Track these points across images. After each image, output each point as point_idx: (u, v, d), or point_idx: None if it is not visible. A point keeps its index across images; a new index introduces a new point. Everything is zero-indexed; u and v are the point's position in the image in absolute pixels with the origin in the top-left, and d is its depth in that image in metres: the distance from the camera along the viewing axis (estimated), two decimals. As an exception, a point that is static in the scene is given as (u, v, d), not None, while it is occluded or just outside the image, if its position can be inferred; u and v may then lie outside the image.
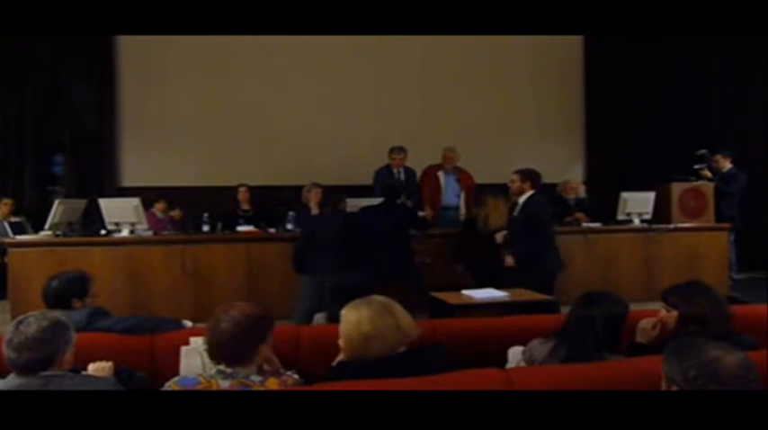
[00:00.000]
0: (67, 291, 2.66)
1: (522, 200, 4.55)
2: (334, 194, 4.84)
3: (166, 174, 6.90)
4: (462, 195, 6.14)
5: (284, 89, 7.22)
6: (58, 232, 4.97)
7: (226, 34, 4.97)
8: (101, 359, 2.21)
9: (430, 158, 6.22)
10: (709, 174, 6.10)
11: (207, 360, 2.02)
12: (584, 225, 5.75)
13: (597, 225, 5.76)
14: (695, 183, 5.98)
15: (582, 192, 6.50)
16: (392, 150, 6.07)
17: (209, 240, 5.19)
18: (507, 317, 3.12)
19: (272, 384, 1.87)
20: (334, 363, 2.02)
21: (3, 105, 6.76)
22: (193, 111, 7.12)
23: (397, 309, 2.01)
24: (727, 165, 6.26)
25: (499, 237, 4.76)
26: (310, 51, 7.11)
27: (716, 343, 1.58)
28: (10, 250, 4.87)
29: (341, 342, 1.99)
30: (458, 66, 7.60)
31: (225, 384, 1.84)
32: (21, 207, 6.46)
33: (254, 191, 6.31)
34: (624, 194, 5.80)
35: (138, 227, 5.06)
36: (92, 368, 2.17)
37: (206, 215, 5.48)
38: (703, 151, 6.14)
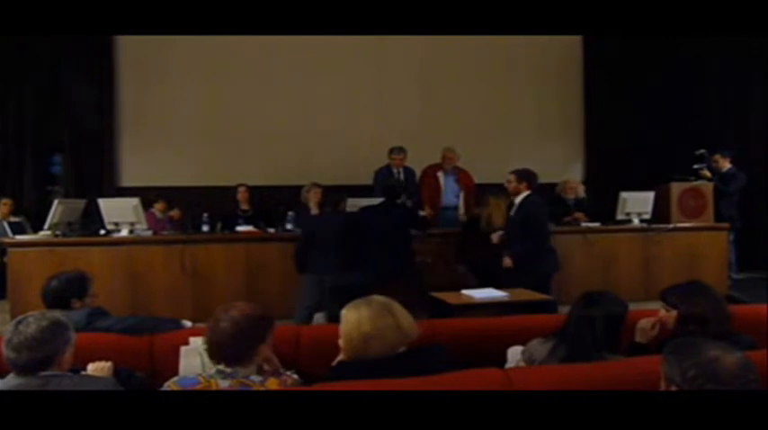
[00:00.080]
0: (67, 290, 2.65)
1: (518, 200, 4.55)
2: (334, 194, 4.84)
3: (166, 174, 6.90)
4: (462, 195, 6.14)
5: (284, 89, 7.21)
6: (58, 232, 4.97)
7: (226, 34, 4.96)
8: (100, 359, 2.21)
9: (430, 158, 6.22)
10: (708, 173, 6.10)
11: (206, 360, 2.02)
12: (584, 225, 5.75)
13: (596, 225, 5.76)
14: (694, 183, 5.97)
15: (581, 191, 6.49)
16: (392, 150, 6.08)
17: (209, 240, 5.19)
18: (507, 317, 3.12)
19: (272, 384, 1.87)
20: (334, 363, 2.02)
21: (2, 105, 6.76)
22: (193, 111, 7.12)
23: (398, 308, 2.01)
24: (726, 164, 6.26)
25: (495, 237, 4.75)
26: (310, 51, 7.11)
27: (715, 343, 1.58)
28: (9, 250, 4.87)
29: (341, 342, 1.99)
30: (458, 66, 7.60)
31: (224, 384, 1.84)
32: (20, 207, 6.46)
33: (254, 191, 6.31)
34: (623, 194, 5.80)
35: (138, 227, 5.05)
36: (91, 368, 2.17)
37: (205, 215, 5.47)
38: (703, 151, 6.14)
